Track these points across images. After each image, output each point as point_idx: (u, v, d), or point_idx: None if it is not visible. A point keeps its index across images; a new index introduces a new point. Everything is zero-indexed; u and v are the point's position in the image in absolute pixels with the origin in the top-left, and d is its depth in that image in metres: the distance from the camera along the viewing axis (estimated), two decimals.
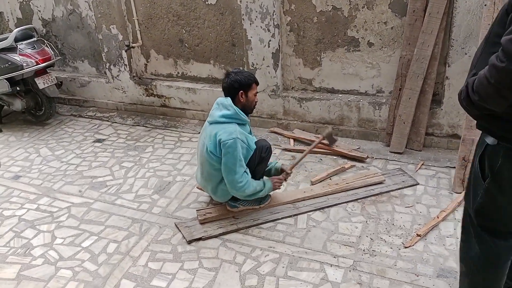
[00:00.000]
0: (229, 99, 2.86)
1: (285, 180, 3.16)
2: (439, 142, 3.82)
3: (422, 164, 3.58)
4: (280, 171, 3.16)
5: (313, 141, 4.01)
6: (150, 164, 3.95)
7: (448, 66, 3.58)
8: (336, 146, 3.84)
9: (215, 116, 2.86)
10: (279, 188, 3.11)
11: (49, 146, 4.50)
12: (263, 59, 4.27)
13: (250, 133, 3.05)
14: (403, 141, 3.77)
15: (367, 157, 3.74)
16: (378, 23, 3.80)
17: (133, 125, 4.91)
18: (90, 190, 3.60)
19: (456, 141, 3.68)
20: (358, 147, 3.94)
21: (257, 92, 2.96)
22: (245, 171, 2.82)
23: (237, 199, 3.04)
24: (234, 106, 2.84)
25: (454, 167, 3.37)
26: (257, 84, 2.95)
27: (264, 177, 3.12)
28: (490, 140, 1.61)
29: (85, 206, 3.37)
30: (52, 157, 4.24)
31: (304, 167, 3.71)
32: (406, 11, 3.61)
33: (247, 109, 2.94)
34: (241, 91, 2.85)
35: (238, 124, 2.85)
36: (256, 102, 2.99)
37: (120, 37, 4.99)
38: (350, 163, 3.68)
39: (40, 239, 3.00)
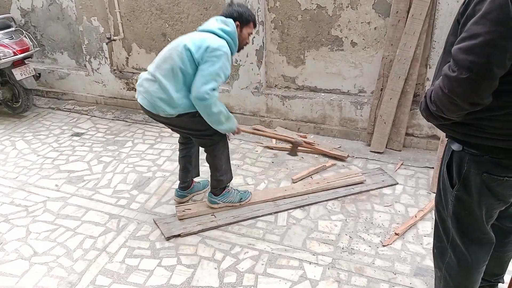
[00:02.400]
0: (231, 19, 2.69)
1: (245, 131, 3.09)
2: (419, 143, 3.87)
3: (402, 164, 3.63)
4: None
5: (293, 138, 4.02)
6: (129, 159, 3.89)
7: (429, 68, 3.63)
8: (317, 144, 3.86)
9: (211, 26, 2.66)
10: (235, 133, 2.92)
11: (25, 139, 4.38)
12: (247, 56, 4.25)
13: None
14: (384, 141, 3.80)
15: (348, 156, 3.76)
16: (361, 23, 3.82)
17: (112, 119, 4.83)
18: (67, 184, 3.52)
19: (435, 142, 3.74)
20: (339, 146, 3.96)
21: (251, 34, 2.84)
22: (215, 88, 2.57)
23: (217, 194, 3.01)
24: (235, 26, 2.68)
25: (433, 168, 3.43)
26: (255, 26, 2.85)
27: None
28: (455, 146, 1.61)
29: (62, 201, 3.29)
30: (29, 150, 4.13)
31: (285, 165, 3.71)
32: (390, 12, 3.64)
33: (237, 44, 2.78)
34: (238, 23, 2.71)
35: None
36: (247, 43, 2.86)
37: (101, 29, 4.90)
38: (331, 161, 3.70)
39: (14, 233, 2.92)
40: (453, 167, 1.65)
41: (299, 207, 3.11)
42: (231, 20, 2.68)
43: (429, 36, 3.59)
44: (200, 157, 3.21)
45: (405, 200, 3.16)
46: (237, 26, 2.71)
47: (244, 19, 2.73)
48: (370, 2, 3.73)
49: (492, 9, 1.27)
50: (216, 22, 2.70)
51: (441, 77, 1.45)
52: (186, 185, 3.24)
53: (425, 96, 1.58)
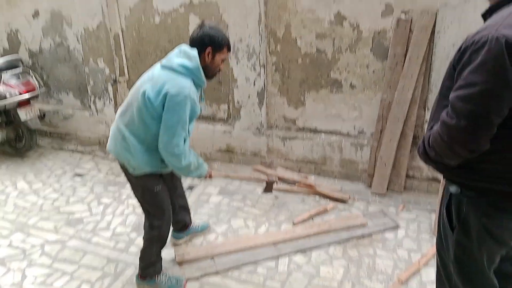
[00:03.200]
0: (195, 49, 2.35)
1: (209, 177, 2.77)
2: (420, 185, 3.85)
3: (403, 207, 3.59)
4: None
5: (296, 180, 4.02)
6: (129, 201, 3.87)
7: (428, 110, 3.66)
8: (318, 186, 3.85)
9: (172, 62, 2.32)
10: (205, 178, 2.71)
11: (26, 179, 4.40)
12: (249, 97, 4.32)
13: (202, 100, 2.58)
14: (385, 183, 3.79)
15: (349, 198, 3.74)
16: (360, 66, 3.90)
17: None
18: (66, 226, 3.50)
19: (436, 184, 3.71)
20: (340, 187, 3.94)
21: (225, 59, 2.48)
22: (185, 137, 2.34)
23: (144, 277, 2.73)
24: (198, 60, 2.34)
25: (435, 211, 3.39)
26: (229, 50, 2.47)
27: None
28: (453, 189, 1.61)
29: (60, 244, 3.26)
30: (29, 190, 4.14)
31: (286, 207, 3.68)
32: (387, 55, 3.72)
33: (208, 71, 2.43)
34: (210, 49, 2.36)
35: (194, 83, 2.35)
36: (220, 70, 2.49)
37: (107, 71, 5.01)
38: (332, 204, 3.67)
39: (10, 278, 2.88)
40: (452, 210, 1.64)
41: (301, 251, 3.06)
42: (194, 53, 2.33)
43: (426, 79, 3.64)
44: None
45: (408, 245, 3.11)
46: (208, 52, 2.37)
47: (217, 45, 2.37)
48: (368, 46, 3.81)
49: (488, 59, 1.30)
50: (178, 56, 2.36)
51: (439, 123, 1.46)
52: (181, 227, 3.19)
53: (423, 141, 1.58)
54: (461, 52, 1.41)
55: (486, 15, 1.52)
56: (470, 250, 1.62)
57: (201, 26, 2.40)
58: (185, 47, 2.38)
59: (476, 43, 1.34)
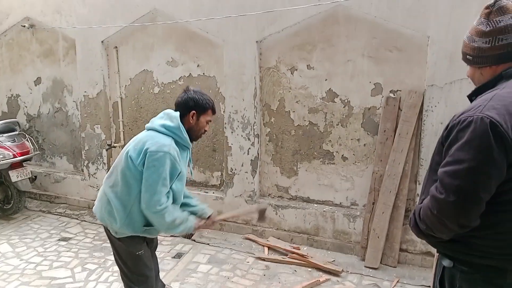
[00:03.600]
0: (177, 113, 2.43)
1: (208, 228, 2.74)
2: (413, 259, 3.80)
3: (398, 282, 3.50)
4: (206, 218, 2.66)
5: (288, 250, 3.95)
6: (114, 267, 3.70)
7: (419, 184, 3.73)
8: (311, 257, 3.78)
9: (154, 123, 2.40)
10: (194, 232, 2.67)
11: (10, 242, 4.25)
12: (242, 165, 4.38)
13: (190, 162, 2.62)
14: (378, 256, 3.73)
15: (342, 271, 3.65)
16: (351, 139, 4.03)
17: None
18: None
19: (430, 258, 3.67)
20: (333, 259, 3.86)
21: (209, 121, 2.54)
22: (167, 194, 2.32)
23: None
24: (180, 121, 2.40)
25: (429, 286, 3.31)
26: (214, 112, 2.54)
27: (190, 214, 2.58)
28: (446, 262, 1.58)
29: None
30: (12, 254, 3.98)
31: (278, 278, 3.57)
32: (378, 130, 3.87)
33: (193, 133, 2.48)
34: (194, 112, 2.44)
35: (177, 143, 2.38)
36: (205, 131, 2.55)
37: (103, 136, 5.10)
38: (325, 276, 3.57)
39: None
40: (445, 284, 1.60)
41: None
42: (176, 115, 2.41)
43: (416, 154, 3.76)
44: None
45: None
46: (192, 115, 2.44)
47: (200, 107, 2.45)
48: (359, 121, 3.98)
49: (474, 137, 1.35)
50: (160, 118, 2.44)
51: (428, 197, 1.49)
52: None
53: (414, 213, 1.59)
54: (448, 130, 1.48)
55: (471, 96, 1.61)
56: None
57: (186, 90, 2.50)
58: (169, 110, 2.47)
59: (462, 122, 1.40)
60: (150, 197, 2.25)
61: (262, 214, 2.91)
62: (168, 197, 2.32)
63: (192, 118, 2.44)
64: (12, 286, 3.41)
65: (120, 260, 2.51)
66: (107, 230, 2.48)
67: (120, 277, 2.61)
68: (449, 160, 1.42)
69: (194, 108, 2.43)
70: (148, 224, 2.39)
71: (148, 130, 2.42)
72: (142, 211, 2.33)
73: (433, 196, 1.44)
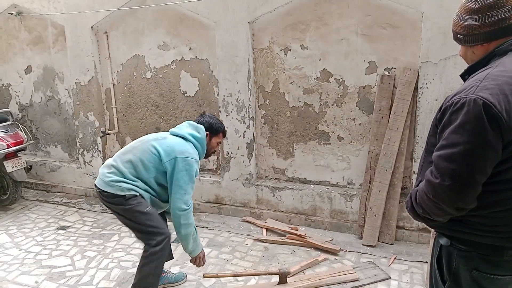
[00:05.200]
0: (203, 126, 2.88)
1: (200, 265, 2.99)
2: (410, 236, 3.83)
3: (395, 258, 3.54)
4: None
5: (286, 231, 3.97)
6: (114, 254, 3.75)
7: (415, 161, 3.74)
8: (309, 237, 3.81)
9: (183, 131, 2.82)
10: (196, 263, 2.94)
11: (9, 232, 4.25)
12: (238, 149, 4.37)
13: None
14: (375, 234, 3.76)
15: (340, 249, 3.68)
16: (347, 119, 4.02)
17: (100, 212, 4.75)
18: (47, 281, 3.34)
19: (426, 235, 3.71)
20: (331, 239, 3.90)
21: (220, 142, 3.04)
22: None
23: None
24: (205, 132, 2.87)
25: (426, 262, 3.35)
26: (224, 136, 3.07)
27: None
28: (443, 241, 1.59)
29: None
30: (11, 244, 3.98)
31: (276, 259, 3.60)
32: (373, 109, 3.85)
33: (205, 151, 2.94)
34: (208, 133, 2.91)
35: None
36: (215, 151, 3.06)
37: (97, 123, 5.05)
38: (323, 255, 3.61)
39: None
40: (443, 262, 1.61)
41: None
42: (202, 127, 2.87)
43: (412, 131, 3.76)
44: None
45: None
46: (206, 135, 2.89)
47: (213, 130, 2.93)
48: (354, 101, 3.96)
49: (468, 120, 1.33)
50: (188, 127, 2.85)
51: (424, 181, 1.47)
52: None
53: (410, 197, 1.58)
54: (442, 112, 1.46)
55: (464, 75, 1.59)
56: None
57: (202, 115, 2.99)
58: (192, 122, 2.91)
59: (455, 104, 1.38)
60: (181, 196, 2.64)
61: (284, 278, 3.11)
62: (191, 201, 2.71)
63: (206, 137, 2.89)
64: (12, 275, 3.43)
65: (131, 221, 2.73)
66: (115, 198, 2.67)
67: (137, 238, 2.88)
68: (443, 143, 1.40)
69: (208, 130, 2.91)
70: (155, 196, 2.76)
71: (174, 135, 2.80)
72: (152, 188, 2.73)
73: (429, 180, 1.43)
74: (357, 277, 3.24)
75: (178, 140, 2.75)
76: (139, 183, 2.71)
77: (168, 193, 2.75)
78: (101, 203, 2.91)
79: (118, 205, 2.69)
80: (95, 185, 2.79)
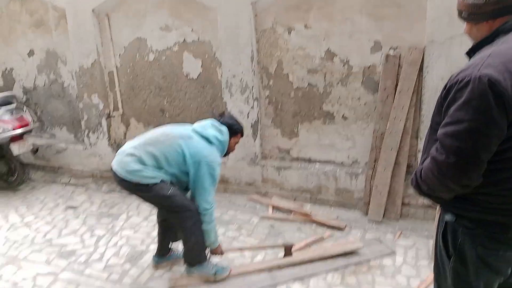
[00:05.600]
0: (226, 128, 2.94)
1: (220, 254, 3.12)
2: (416, 213, 3.88)
3: (400, 234, 3.60)
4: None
5: (291, 209, 4.03)
6: (123, 232, 3.81)
7: (420, 140, 3.77)
8: (315, 215, 3.87)
9: (207, 131, 2.87)
10: (217, 253, 3.05)
11: (18, 212, 4.31)
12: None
13: None
14: (381, 211, 3.82)
15: (346, 226, 3.74)
16: (352, 98, 4.03)
17: (108, 192, 4.81)
18: (58, 259, 3.41)
19: (432, 211, 3.75)
20: (336, 216, 3.95)
21: (237, 142, 3.10)
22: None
23: (193, 265, 2.95)
24: (228, 135, 2.93)
25: (432, 237, 3.40)
26: (242, 135, 3.12)
27: None
28: (448, 217, 1.61)
29: (52, 276, 3.17)
30: (21, 224, 4.05)
31: (282, 236, 3.66)
32: (378, 88, 3.86)
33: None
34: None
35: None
36: (233, 151, 3.11)
37: (101, 105, 5.07)
38: (329, 232, 3.67)
39: None
40: (448, 238, 1.63)
41: (298, 279, 3.03)
42: (225, 129, 2.92)
43: (417, 110, 3.77)
44: None
45: (407, 271, 3.10)
46: None
47: (233, 131, 2.98)
48: (359, 80, 3.97)
49: (472, 98, 1.34)
50: (212, 128, 2.90)
51: (429, 158, 1.49)
52: (163, 252, 3.22)
53: (415, 174, 1.60)
54: (446, 90, 1.47)
55: (469, 53, 1.60)
56: (467, 278, 1.61)
57: (222, 115, 3.06)
58: (216, 121, 2.96)
59: (460, 82, 1.39)
60: (205, 197, 2.77)
61: (289, 250, 3.23)
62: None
63: None
64: (23, 254, 3.50)
65: (156, 203, 2.89)
66: (136, 186, 2.75)
67: (170, 219, 3.03)
68: (448, 121, 1.41)
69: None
70: (175, 183, 2.85)
71: (198, 134, 2.84)
72: (172, 178, 2.82)
73: (434, 157, 1.45)
74: (360, 245, 3.30)
75: (203, 144, 2.80)
76: (161, 173, 2.78)
77: (187, 184, 2.89)
78: (120, 187, 2.99)
79: (142, 192, 2.77)
80: (114, 171, 2.82)
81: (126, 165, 2.74)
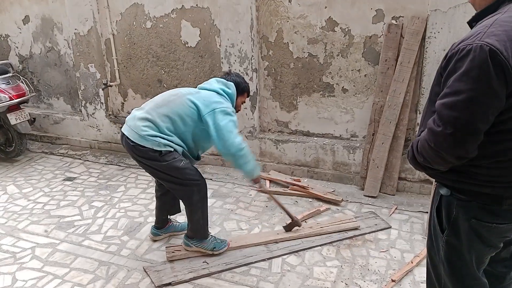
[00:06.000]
0: (232, 83, 2.90)
1: (259, 188, 3.14)
2: (412, 187, 3.88)
3: (396, 209, 3.61)
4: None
5: (289, 182, 4.03)
6: (121, 204, 3.84)
7: (419, 113, 3.71)
8: (311, 188, 3.87)
9: (214, 86, 2.83)
10: (257, 186, 3.03)
11: (16, 183, 4.34)
12: None
13: None
14: (377, 185, 3.81)
15: (342, 200, 3.75)
16: (352, 70, 3.94)
17: (106, 163, 4.82)
18: (56, 230, 3.45)
19: (428, 186, 3.75)
20: (333, 190, 3.96)
21: (244, 102, 3.07)
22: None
23: (192, 238, 2.97)
24: (235, 88, 2.89)
25: (427, 212, 3.41)
26: (249, 95, 3.10)
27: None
28: (443, 191, 1.61)
29: (51, 247, 3.21)
30: (19, 195, 4.08)
31: (279, 209, 3.66)
32: (379, 60, 3.77)
33: None
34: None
35: None
36: (239, 110, 3.06)
37: (98, 75, 4.99)
38: (325, 206, 3.68)
39: (0, 281, 2.81)
40: (442, 211, 1.64)
41: (293, 252, 3.06)
42: (232, 84, 2.88)
43: (417, 83, 3.70)
44: None
45: (401, 246, 3.12)
46: None
47: (239, 89, 2.93)
48: (359, 51, 3.86)
49: (472, 67, 1.31)
50: (217, 83, 2.86)
51: (426, 129, 1.47)
52: (161, 224, 3.25)
53: (412, 146, 1.59)
54: (447, 59, 1.43)
55: (471, 22, 1.54)
56: (460, 251, 1.62)
57: (229, 73, 3.01)
58: (220, 78, 2.93)
59: (461, 51, 1.35)
60: (233, 140, 2.65)
61: (291, 226, 3.24)
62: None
63: None
64: (22, 225, 3.54)
65: (167, 175, 2.75)
66: (150, 153, 2.65)
67: (174, 193, 2.95)
68: (447, 91, 1.38)
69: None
70: (187, 151, 2.83)
71: (207, 90, 2.81)
72: (186, 144, 2.78)
73: (431, 128, 1.43)
74: (357, 226, 3.32)
75: (212, 93, 2.77)
76: (175, 138, 2.71)
77: (200, 151, 2.90)
78: (131, 154, 2.83)
79: (153, 160, 2.68)
80: (126, 136, 2.71)
81: (139, 130, 2.65)
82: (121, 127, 5.10)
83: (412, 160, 1.61)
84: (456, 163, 1.45)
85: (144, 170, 2.94)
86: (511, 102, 1.34)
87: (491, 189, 1.48)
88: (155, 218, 3.27)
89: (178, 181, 2.76)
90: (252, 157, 2.80)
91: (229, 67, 4.26)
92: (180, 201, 3.04)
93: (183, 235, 3.13)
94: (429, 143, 1.44)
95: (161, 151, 2.65)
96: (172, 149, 2.69)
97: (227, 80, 2.91)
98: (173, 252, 3.00)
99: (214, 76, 3.97)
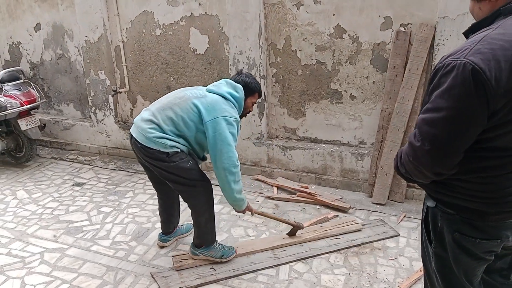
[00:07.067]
0: (240, 85, 2.81)
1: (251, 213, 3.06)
2: (421, 195, 3.85)
3: (404, 216, 3.59)
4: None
5: (296, 189, 4.02)
6: (129, 210, 3.86)
7: None
8: (319, 195, 3.86)
9: (221, 89, 2.75)
10: (244, 212, 2.96)
11: (26, 188, 4.38)
12: None
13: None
14: (385, 193, 3.79)
15: (350, 207, 3.73)
16: (360, 77, 3.94)
17: (114, 169, 4.85)
18: (65, 235, 3.47)
19: None
20: (341, 197, 3.94)
21: (255, 103, 2.99)
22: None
23: (199, 246, 2.96)
24: (243, 92, 2.81)
25: None
26: (260, 96, 2.98)
27: None
28: (429, 202, 1.60)
29: (59, 252, 3.23)
30: (29, 200, 4.12)
31: (287, 216, 3.67)
32: (387, 67, 3.76)
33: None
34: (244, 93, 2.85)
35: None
36: (250, 111, 3.01)
37: (108, 82, 5.05)
38: (333, 213, 3.67)
39: (9, 286, 2.84)
40: (429, 222, 1.63)
41: (301, 259, 3.05)
42: (240, 86, 2.80)
43: (426, 90, 3.67)
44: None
45: (409, 254, 3.09)
46: None
47: (249, 89, 2.85)
48: (368, 58, 3.87)
49: (454, 85, 1.30)
50: (226, 86, 2.78)
51: (407, 142, 1.47)
52: (168, 230, 3.28)
53: (397, 156, 1.59)
54: (434, 72, 1.42)
55: (467, 33, 1.53)
56: (448, 263, 1.60)
57: (239, 73, 2.92)
58: (229, 80, 2.85)
59: (446, 66, 1.34)
60: (231, 153, 2.62)
61: (294, 231, 3.24)
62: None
63: None
64: (31, 230, 3.56)
65: (174, 175, 2.75)
66: (157, 154, 2.67)
67: (180, 195, 2.97)
68: (429, 107, 1.38)
69: (244, 89, 2.81)
70: (193, 152, 2.81)
71: (213, 93, 2.73)
72: (191, 145, 2.76)
73: (411, 143, 1.43)
74: (360, 227, 3.33)
75: (218, 98, 2.69)
76: (180, 140, 2.71)
77: (205, 152, 2.85)
78: (138, 156, 2.87)
79: (161, 161, 2.69)
80: (135, 139, 2.74)
81: (146, 132, 2.67)
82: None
83: (396, 170, 1.62)
84: (434, 178, 1.45)
85: None
86: (495, 121, 1.32)
87: (475, 204, 1.47)
88: (161, 229, 3.29)
89: (185, 182, 2.76)
90: (241, 182, 2.77)
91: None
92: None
93: (188, 237, 3.13)
94: (409, 157, 1.45)
95: (168, 152, 2.66)
96: (179, 150, 2.70)
97: (237, 81, 2.83)
98: (180, 261, 3.00)
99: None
